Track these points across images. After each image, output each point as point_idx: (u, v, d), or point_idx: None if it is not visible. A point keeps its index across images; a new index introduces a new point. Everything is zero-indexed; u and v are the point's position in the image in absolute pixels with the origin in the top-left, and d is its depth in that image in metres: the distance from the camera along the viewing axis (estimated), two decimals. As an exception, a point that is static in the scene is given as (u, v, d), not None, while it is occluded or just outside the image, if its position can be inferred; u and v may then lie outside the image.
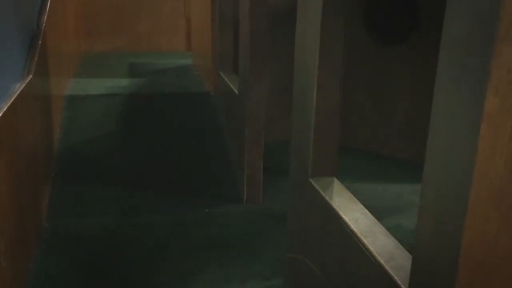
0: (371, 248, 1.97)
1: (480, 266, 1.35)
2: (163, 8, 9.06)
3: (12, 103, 2.81)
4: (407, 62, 5.08)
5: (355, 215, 2.24)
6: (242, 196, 4.29)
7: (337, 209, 2.30)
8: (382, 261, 1.88)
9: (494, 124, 1.24)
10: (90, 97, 5.78)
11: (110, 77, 6.81)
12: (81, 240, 3.64)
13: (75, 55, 7.36)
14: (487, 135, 1.24)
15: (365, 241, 2.03)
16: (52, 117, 4.58)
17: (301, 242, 2.85)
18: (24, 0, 3.73)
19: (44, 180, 4.02)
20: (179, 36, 9.09)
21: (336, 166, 2.63)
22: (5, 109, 2.67)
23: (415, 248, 1.57)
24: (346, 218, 2.22)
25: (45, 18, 4.36)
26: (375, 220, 2.22)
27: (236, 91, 4.58)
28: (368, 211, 2.30)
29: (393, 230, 2.16)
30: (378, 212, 2.47)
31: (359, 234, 2.08)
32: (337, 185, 2.55)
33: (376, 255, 1.93)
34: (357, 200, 2.40)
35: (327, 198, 2.41)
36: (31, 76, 3.43)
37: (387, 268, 1.84)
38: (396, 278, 1.76)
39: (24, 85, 3.20)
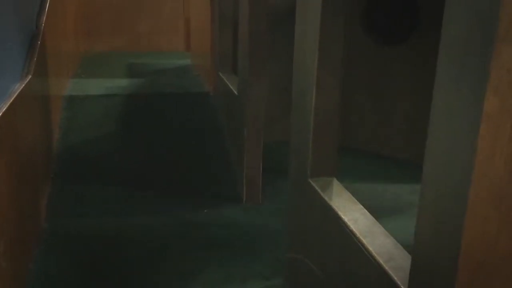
0: (371, 248, 1.97)
1: (480, 266, 1.35)
2: (163, 8, 9.06)
3: (12, 104, 2.81)
4: (407, 62, 5.08)
5: (354, 215, 2.24)
6: (241, 196, 4.29)
7: (337, 209, 2.30)
8: (381, 261, 1.88)
9: (494, 124, 1.23)
10: (90, 97, 5.78)
11: (109, 77, 6.81)
12: (80, 240, 3.64)
13: (75, 55, 7.35)
14: (487, 135, 1.24)
15: (364, 241, 2.03)
16: (52, 118, 4.58)
17: (300, 242, 2.85)
18: (23, 1, 3.73)
19: (43, 180, 4.02)
20: (179, 36, 9.09)
21: (336, 166, 2.63)
22: (4, 109, 2.67)
23: (415, 248, 1.57)
24: (345, 218, 2.22)
25: (44, 18, 4.36)
26: (374, 220, 2.22)
27: (235, 92, 4.58)
28: (368, 211, 2.30)
29: (393, 230, 2.16)
30: (378, 212, 2.47)
31: (358, 234, 2.08)
32: (336, 185, 2.55)
33: (376, 255, 1.92)
34: (356, 200, 2.40)
35: (326, 198, 2.41)
36: (30, 77, 3.43)
37: (387, 268, 1.84)
38: (395, 278, 1.76)
39: (23, 85, 3.20)
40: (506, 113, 1.23)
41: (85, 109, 5.52)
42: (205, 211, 4.10)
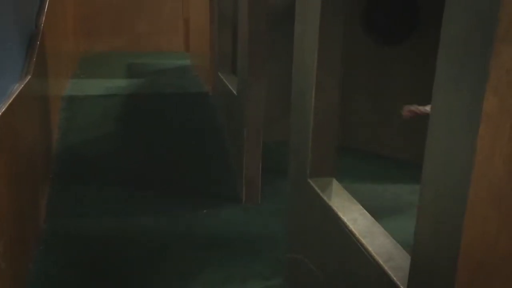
0: (370, 248, 1.97)
1: (480, 266, 1.35)
2: (163, 8, 9.05)
3: (11, 104, 2.81)
4: (407, 62, 5.08)
5: (353, 215, 2.24)
6: (241, 196, 4.29)
7: (336, 209, 2.30)
8: (380, 261, 1.88)
9: (493, 124, 1.23)
10: (89, 97, 5.78)
11: (109, 78, 6.81)
12: (80, 240, 3.63)
13: (74, 55, 7.35)
14: (486, 135, 1.24)
15: (363, 241, 2.03)
16: (51, 118, 4.58)
17: (300, 242, 2.85)
18: (23, 1, 3.73)
19: (43, 181, 4.02)
20: (178, 36, 9.09)
21: (335, 166, 2.63)
22: (3, 109, 2.67)
23: (414, 248, 1.57)
24: (344, 218, 2.22)
25: (44, 18, 4.36)
26: (374, 220, 2.22)
27: (234, 92, 4.58)
28: (368, 211, 2.30)
29: (392, 231, 2.16)
30: (378, 212, 2.47)
31: (357, 235, 2.08)
32: (335, 185, 2.55)
33: (375, 255, 1.92)
34: (355, 200, 2.40)
35: (325, 198, 2.41)
36: (29, 77, 3.43)
37: (386, 268, 1.84)
38: (394, 278, 1.76)
39: (22, 85, 3.20)
40: (505, 113, 1.23)
41: (85, 110, 5.52)
42: (205, 211, 4.10)
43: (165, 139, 5.08)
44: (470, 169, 1.27)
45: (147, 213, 4.04)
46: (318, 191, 2.48)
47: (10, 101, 2.83)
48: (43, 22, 4.29)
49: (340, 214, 2.25)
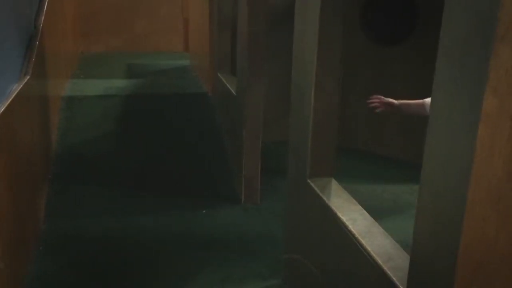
0: (369, 249, 1.97)
1: (479, 266, 1.35)
2: (162, 8, 9.06)
3: (10, 104, 2.81)
4: (407, 62, 5.08)
5: (353, 215, 2.24)
6: (240, 196, 4.29)
7: (335, 209, 2.29)
8: (380, 262, 1.88)
9: (493, 125, 1.23)
10: (88, 98, 5.77)
11: (108, 78, 6.81)
12: (79, 240, 3.63)
13: (73, 55, 7.35)
14: (486, 136, 1.24)
15: (363, 241, 2.02)
16: (50, 118, 4.57)
17: (299, 242, 2.85)
18: (22, 1, 3.73)
19: (42, 181, 4.01)
20: (178, 36, 9.09)
21: (334, 166, 2.63)
22: (2, 110, 2.67)
23: (413, 248, 1.57)
24: (344, 218, 2.21)
25: (43, 18, 4.35)
26: (373, 220, 2.21)
27: (234, 92, 4.58)
28: (367, 211, 2.30)
29: (392, 231, 2.16)
30: (377, 212, 2.47)
31: (357, 235, 2.08)
32: (335, 185, 2.55)
33: (374, 255, 1.92)
34: (354, 200, 2.40)
35: (325, 198, 2.41)
36: (28, 77, 3.42)
37: (385, 268, 1.83)
38: (394, 278, 1.76)
39: (21, 86, 3.20)
40: (504, 114, 1.23)
41: (84, 110, 5.51)
42: (204, 211, 4.10)
43: (164, 140, 5.08)
44: (470, 169, 1.26)
45: (146, 213, 4.04)
46: (318, 191, 2.48)
47: (9, 101, 2.83)
48: (42, 22, 4.29)
49: (340, 214, 2.25)
